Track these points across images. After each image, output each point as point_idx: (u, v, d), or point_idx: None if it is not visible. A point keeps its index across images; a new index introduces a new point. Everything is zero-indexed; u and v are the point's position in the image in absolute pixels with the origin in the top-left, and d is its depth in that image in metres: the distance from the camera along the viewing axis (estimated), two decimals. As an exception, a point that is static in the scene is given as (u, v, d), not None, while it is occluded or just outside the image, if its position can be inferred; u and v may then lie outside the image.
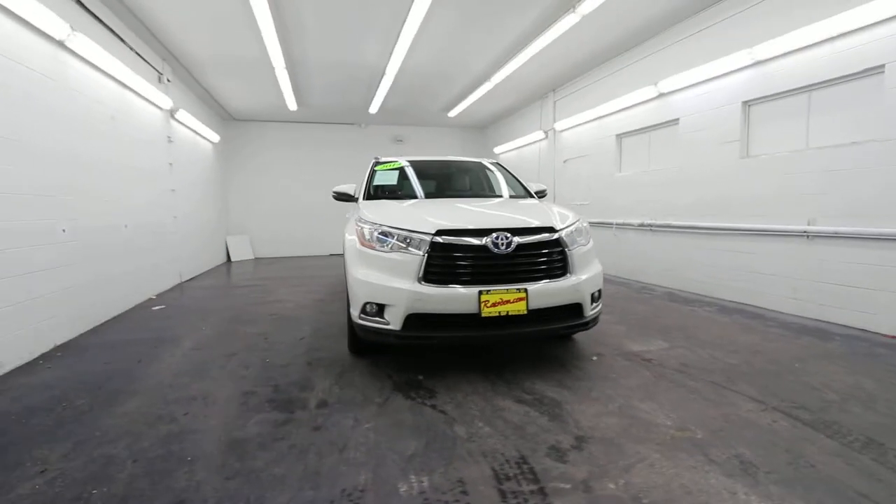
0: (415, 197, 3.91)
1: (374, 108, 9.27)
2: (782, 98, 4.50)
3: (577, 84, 7.79)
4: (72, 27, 3.76)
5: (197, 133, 7.94)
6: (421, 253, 2.64)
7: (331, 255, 11.10)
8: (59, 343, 3.69)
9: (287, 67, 6.57)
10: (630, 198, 6.65)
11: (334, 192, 4.12)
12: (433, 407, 2.47)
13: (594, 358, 3.23)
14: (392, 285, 2.66)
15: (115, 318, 4.63)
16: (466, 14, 5.16)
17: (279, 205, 11.02)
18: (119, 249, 4.79)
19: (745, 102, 4.84)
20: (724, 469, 1.84)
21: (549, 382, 2.79)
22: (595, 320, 3.03)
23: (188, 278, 7.31)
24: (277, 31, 5.23)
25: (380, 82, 7.56)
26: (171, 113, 6.47)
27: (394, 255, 2.70)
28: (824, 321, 4.04)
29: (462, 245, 2.66)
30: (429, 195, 4.01)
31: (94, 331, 4.17)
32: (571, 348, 3.46)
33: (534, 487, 1.73)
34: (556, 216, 3.03)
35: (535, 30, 5.59)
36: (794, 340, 3.56)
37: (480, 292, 2.60)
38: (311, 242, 11.20)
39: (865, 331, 3.73)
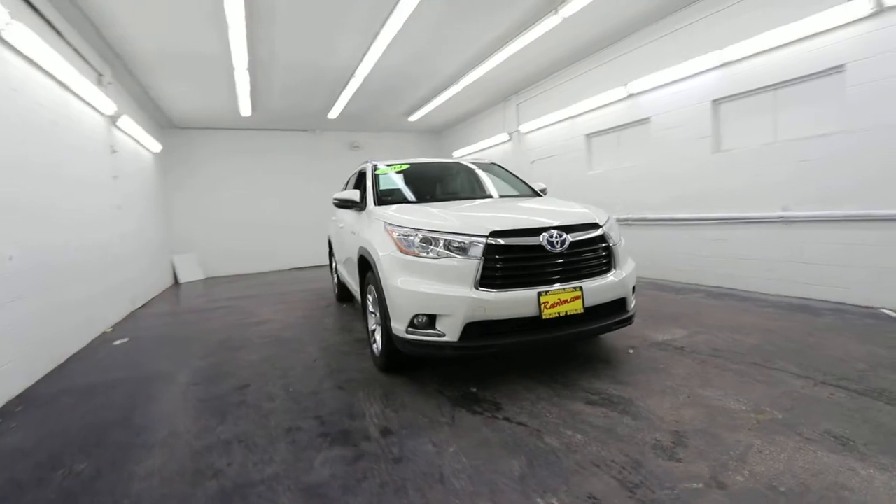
0: (428, 200, 3.72)
1: (333, 114, 8.87)
2: (750, 96, 4.89)
3: (543, 86, 7.99)
4: (11, 15, 3.14)
5: (138, 142, 7.08)
6: (477, 257, 2.49)
7: (291, 269, 10.44)
8: (14, 394, 3.05)
9: (249, 67, 6.06)
10: (603, 194, 6.91)
11: (336, 200, 3.82)
12: (508, 420, 2.32)
13: (630, 351, 3.26)
14: (448, 293, 2.48)
15: (74, 357, 3.93)
16: (454, 9, 5.01)
17: (230, 219, 10.16)
18: (68, 274, 4.08)
19: (714, 101, 5.22)
20: (826, 446, 1.89)
21: (605, 380, 2.75)
22: (634, 314, 3.05)
23: (141, 305, 6.46)
24: (247, 24, 4.76)
25: (346, 84, 7.23)
26: (114, 119, 5.69)
27: (445, 262, 2.52)
28: (805, 298, 4.42)
29: (518, 246, 2.54)
30: (443, 197, 3.84)
31: (55, 374, 3.50)
32: (602, 343, 3.46)
33: (668, 492, 1.65)
34: (594, 212, 3.01)
35: (515, 31, 5.64)
36: (791, 318, 3.84)
37: (539, 294, 2.50)
38: (267, 257, 10.45)
39: (843, 303, 4.12)
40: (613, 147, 6.87)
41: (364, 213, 3.63)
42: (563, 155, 7.77)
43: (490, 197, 3.97)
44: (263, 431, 2.36)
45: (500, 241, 2.52)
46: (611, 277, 2.77)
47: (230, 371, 3.37)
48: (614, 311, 2.85)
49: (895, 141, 3.77)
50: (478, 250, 2.48)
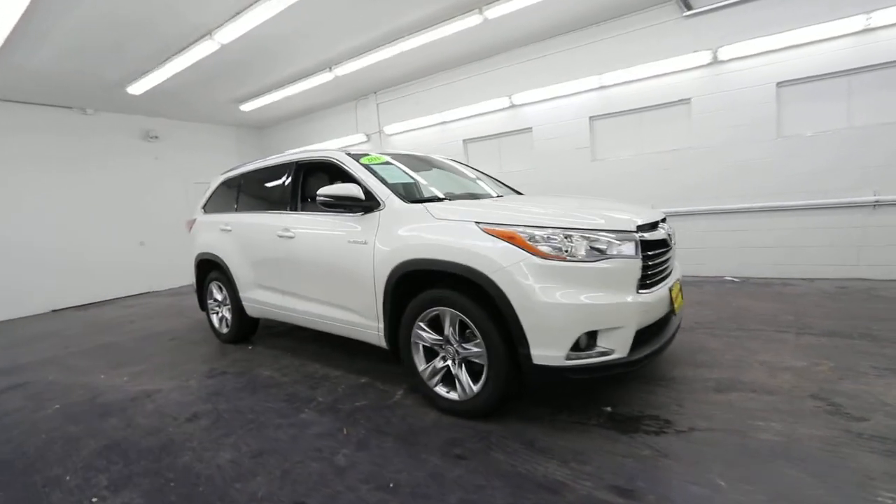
0: (437, 199, 3.01)
1: (140, 88, 6.26)
2: (621, 115, 5.99)
3: (413, 88, 7.75)
4: None
5: None
6: (636, 256, 2.16)
7: (53, 311, 6.82)
8: None
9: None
10: (486, 198, 7.23)
11: (329, 196, 2.68)
12: (693, 429, 2.10)
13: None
14: (618, 301, 2.06)
15: None
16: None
17: None
18: None
19: (591, 117, 6.17)
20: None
21: (700, 368, 2.85)
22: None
23: None
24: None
25: (186, 49, 5.21)
26: None
27: (606, 264, 2.07)
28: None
29: (655, 241, 2.33)
30: (450, 196, 3.18)
31: None
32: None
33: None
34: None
35: (412, 28, 5.29)
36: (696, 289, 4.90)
37: (670, 289, 2.38)
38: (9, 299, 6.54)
39: (698, 275, 5.54)
40: (494, 153, 7.27)
41: (380, 214, 2.67)
42: (438, 159, 7.74)
43: (500, 195, 3.51)
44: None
45: (646, 235, 2.27)
46: (677, 268, 2.89)
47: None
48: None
49: (722, 154, 5.31)
50: (631, 248, 2.16)
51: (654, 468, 1.84)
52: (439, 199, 2.81)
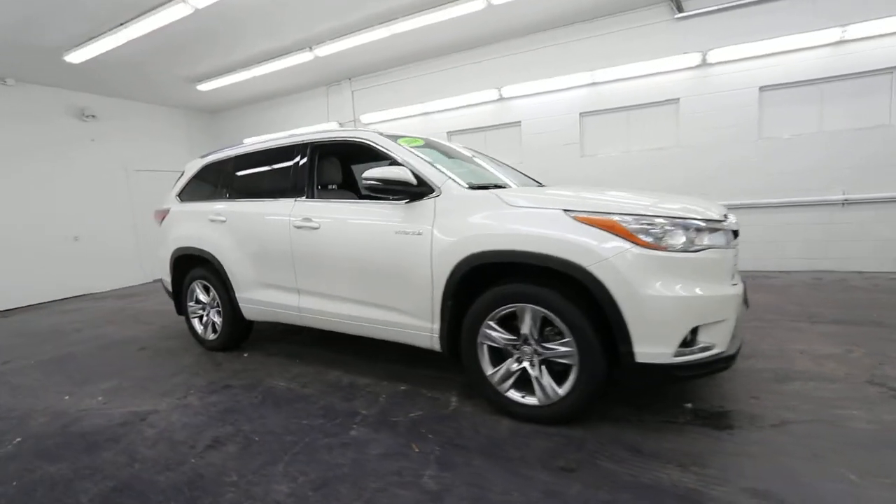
0: (496, 186, 2.74)
1: (81, 56, 5.32)
2: (610, 113, 6.07)
3: (393, 76, 7.36)
4: None
5: None
6: (729, 246, 2.07)
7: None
8: None
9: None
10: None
11: (379, 180, 2.35)
12: (803, 422, 2.06)
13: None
14: (721, 293, 1.96)
15: None
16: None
17: None
18: None
19: (581, 113, 6.20)
20: None
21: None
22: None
23: None
24: None
25: (151, 11, 4.47)
26: None
27: (707, 255, 1.96)
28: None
29: (734, 231, 2.27)
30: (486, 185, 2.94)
31: None
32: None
33: None
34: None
35: (410, 8, 4.99)
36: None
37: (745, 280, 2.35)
38: None
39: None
40: (479, 147, 7.07)
41: (436, 201, 2.38)
42: (419, 152, 7.44)
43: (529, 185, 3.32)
44: None
45: (727, 225, 2.19)
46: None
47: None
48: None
49: (708, 154, 5.55)
50: (724, 238, 2.07)
51: (775, 466, 1.76)
52: (498, 186, 2.58)
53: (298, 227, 2.89)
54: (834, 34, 4.75)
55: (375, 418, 2.35)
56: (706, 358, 1.95)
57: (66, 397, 2.90)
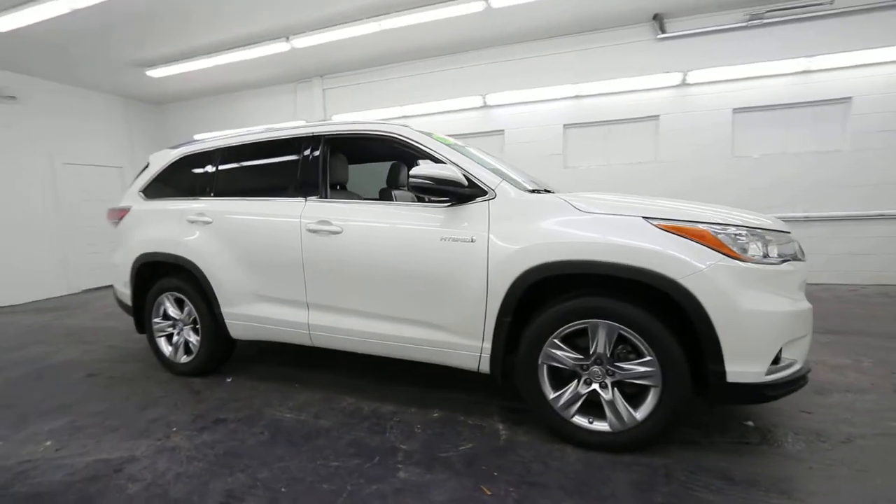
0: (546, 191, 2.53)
1: (2, 25, 4.42)
2: (593, 126, 6.16)
3: (374, 74, 6.98)
4: None
5: None
6: (803, 257, 2.01)
7: None
8: None
9: None
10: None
11: (430, 179, 2.06)
12: (868, 437, 2.03)
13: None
14: (804, 307, 1.89)
15: None
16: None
17: None
18: None
19: (565, 125, 6.24)
20: None
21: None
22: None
23: None
24: None
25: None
26: None
27: (786, 267, 1.88)
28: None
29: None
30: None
31: None
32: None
33: None
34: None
35: (404, 4, 4.76)
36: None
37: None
38: None
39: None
40: (460, 154, 6.91)
41: (489, 204, 2.13)
42: (395, 157, 7.12)
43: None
44: None
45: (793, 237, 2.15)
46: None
47: None
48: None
49: (685, 169, 5.78)
50: (796, 250, 2.02)
51: (873, 488, 1.68)
52: (548, 191, 2.38)
53: (313, 231, 2.49)
54: (801, 64, 5.14)
55: (421, 454, 2.02)
56: (791, 375, 1.86)
57: (0, 443, 2.26)
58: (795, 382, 1.87)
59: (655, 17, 5.50)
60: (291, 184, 2.72)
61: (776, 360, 1.82)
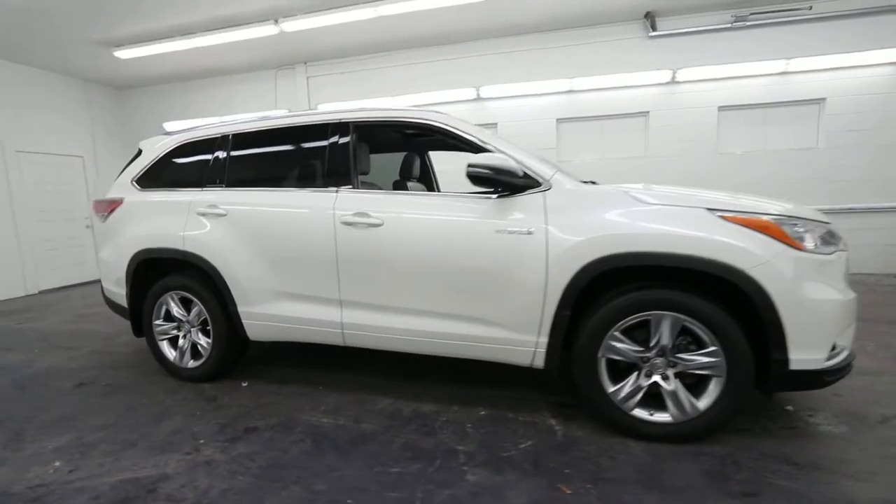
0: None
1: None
2: (586, 121, 6.23)
3: (363, 63, 6.71)
4: None
5: None
6: (846, 247, 2.08)
7: None
8: None
9: None
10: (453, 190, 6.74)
11: (489, 168, 1.99)
12: None
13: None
14: (853, 296, 1.95)
15: None
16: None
17: None
18: None
19: (559, 119, 6.27)
20: None
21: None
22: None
23: None
24: None
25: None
26: None
27: (835, 257, 1.93)
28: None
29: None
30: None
31: None
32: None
33: None
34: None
35: None
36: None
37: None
38: None
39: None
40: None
41: (545, 195, 2.08)
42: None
43: None
44: None
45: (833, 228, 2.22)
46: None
47: None
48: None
49: (673, 164, 5.97)
50: (836, 240, 2.08)
51: (926, 467, 1.77)
52: (593, 182, 2.35)
53: (348, 224, 2.34)
54: (780, 65, 5.41)
55: (483, 455, 1.95)
56: (843, 361, 1.92)
57: (-2, 467, 1.98)
58: (847, 368, 1.94)
59: (647, 15, 5.62)
60: (318, 174, 2.55)
61: (835, 348, 1.88)
